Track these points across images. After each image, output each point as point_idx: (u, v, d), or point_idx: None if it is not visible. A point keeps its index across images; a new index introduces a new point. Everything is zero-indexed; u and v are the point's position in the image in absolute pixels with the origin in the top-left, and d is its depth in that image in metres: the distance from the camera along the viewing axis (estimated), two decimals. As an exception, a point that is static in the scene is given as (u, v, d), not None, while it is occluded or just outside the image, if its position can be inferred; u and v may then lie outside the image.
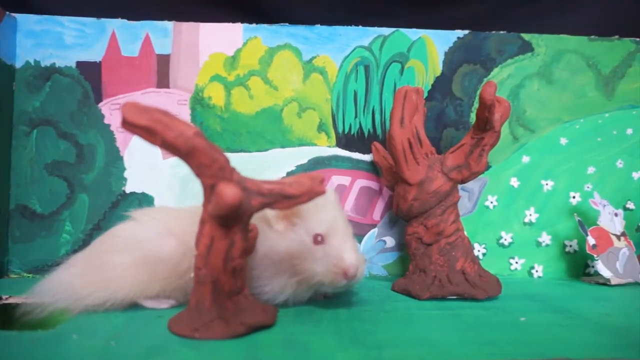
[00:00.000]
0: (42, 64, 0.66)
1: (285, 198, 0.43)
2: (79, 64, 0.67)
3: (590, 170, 0.71)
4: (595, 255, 0.64)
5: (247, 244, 0.44)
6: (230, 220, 0.40)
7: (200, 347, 0.38)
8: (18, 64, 0.66)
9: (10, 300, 0.54)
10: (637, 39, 0.71)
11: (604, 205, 0.66)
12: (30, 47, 0.66)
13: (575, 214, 0.67)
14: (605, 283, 0.64)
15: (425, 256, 0.57)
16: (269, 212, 0.48)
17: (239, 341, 0.40)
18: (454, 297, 0.55)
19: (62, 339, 0.40)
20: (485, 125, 0.53)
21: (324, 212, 0.49)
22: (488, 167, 0.70)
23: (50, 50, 0.66)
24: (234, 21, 0.69)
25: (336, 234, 0.48)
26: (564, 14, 0.76)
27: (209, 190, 0.41)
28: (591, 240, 0.64)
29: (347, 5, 0.75)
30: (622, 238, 0.66)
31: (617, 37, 0.71)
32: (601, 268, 0.63)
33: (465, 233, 0.67)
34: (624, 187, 0.71)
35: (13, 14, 0.66)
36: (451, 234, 0.56)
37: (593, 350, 0.38)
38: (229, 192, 0.37)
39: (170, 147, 0.39)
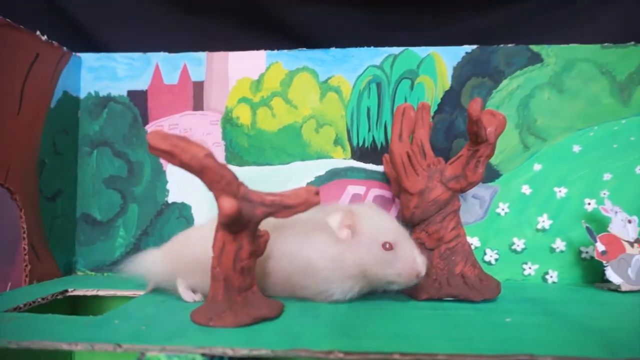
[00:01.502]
0: (100, 94, 0.79)
1: (285, 208, 0.51)
2: (129, 92, 0.79)
3: (607, 177, 0.72)
4: (604, 262, 0.65)
5: (256, 248, 0.52)
6: (234, 226, 0.48)
7: (211, 333, 0.46)
8: (82, 95, 0.79)
9: (75, 293, 0.66)
10: (655, 44, 0.71)
11: (616, 212, 0.67)
12: (91, 80, 0.79)
13: (583, 221, 0.68)
14: (617, 289, 0.64)
15: (428, 260, 0.61)
16: (333, 223, 0.56)
17: (244, 329, 0.48)
18: (451, 298, 0.59)
19: (106, 323, 0.50)
20: (476, 139, 0.57)
21: (386, 221, 0.58)
22: (498, 175, 0.73)
23: (106, 82, 0.79)
24: (259, 43, 0.78)
25: (403, 240, 0.56)
26: (573, 25, 0.77)
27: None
28: (600, 247, 0.65)
29: (362, 26, 0.82)
30: (635, 245, 0.66)
31: (632, 43, 0.71)
32: (611, 274, 0.64)
33: (469, 239, 0.71)
34: (644, 193, 0.71)
35: (78, 54, 0.79)
36: (451, 240, 0.61)
37: (561, 349, 0.42)
38: (226, 204, 0.44)
39: (186, 166, 0.47)
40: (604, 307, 0.57)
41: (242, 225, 0.49)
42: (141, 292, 0.64)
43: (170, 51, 0.78)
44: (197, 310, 0.51)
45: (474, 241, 0.72)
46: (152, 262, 0.62)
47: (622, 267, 0.64)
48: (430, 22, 0.81)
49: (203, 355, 0.42)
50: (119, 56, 0.79)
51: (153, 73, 0.79)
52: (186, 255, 0.59)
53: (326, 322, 0.49)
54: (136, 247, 0.77)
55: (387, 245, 0.55)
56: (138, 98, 0.79)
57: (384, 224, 0.57)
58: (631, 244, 0.66)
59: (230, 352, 0.42)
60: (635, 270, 0.64)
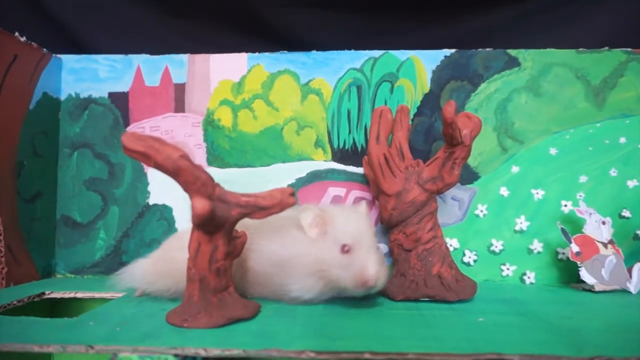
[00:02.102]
0: (81, 96, 0.79)
1: (260, 209, 0.51)
2: (110, 94, 0.78)
3: (583, 179, 0.73)
4: (578, 263, 0.66)
5: (232, 248, 0.52)
6: (209, 227, 0.48)
7: (186, 333, 0.47)
8: (62, 97, 0.79)
9: (52, 295, 0.65)
10: (628, 49, 0.73)
11: (590, 214, 0.68)
12: (72, 82, 0.79)
13: (558, 222, 0.69)
14: (590, 290, 0.66)
15: (405, 261, 0.62)
16: (303, 221, 0.56)
17: (218, 330, 0.48)
18: (427, 299, 0.59)
19: (81, 324, 0.49)
20: (452, 141, 0.58)
21: (352, 224, 0.56)
22: (477, 177, 0.74)
23: (87, 84, 0.79)
24: (242, 45, 0.78)
25: (362, 245, 0.54)
26: (550, 31, 0.79)
27: (194, 203, 0.49)
28: (575, 248, 0.66)
29: (343, 29, 0.82)
30: (609, 246, 0.67)
31: (606, 48, 0.73)
32: (585, 275, 0.65)
33: (448, 240, 0.72)
34: (619, 195, 0.72)
35: (59, 56, 0.78)
36: (428, 241, 0.61)
37: (530, 347, 0.42)
38: (199, 205, 0.45)
39: (161, 167, 0.47)
40: (576, 307, 0.58)
41: (217, 226, 0.49)
42: (120, 294, 0.63)
43: (152, 53, 0.78)
44: (172, 311, 0.51)
45: (453, 242, 0.73)
46: (141, 273, 0.61)
47: (596, 267, 0.66)
48: (412, 27, 0.81)
49: (175, 355, 0.42)
50: (100, 58, 0.79)
51: (134, 75, 0.78)
52: (176, 261, 0.57)
53: (301, 323, 0.50)
54: (117, 250, 0.77)
55: (346, 248, 0.54)
56: (119, 100, 0.78)
57: (348, 227, 0.55)
58: (605, 245, 0.67)
59: (202, 353, 0.42)
60: (609, 271, 0.65)
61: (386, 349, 0.42)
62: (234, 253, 0.53)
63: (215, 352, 0.42)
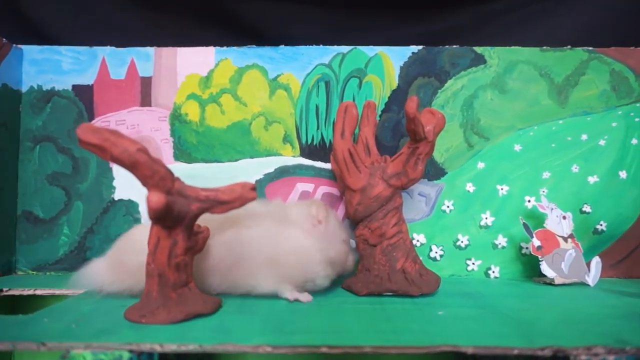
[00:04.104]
0: (44, 88, 0.77)
1: (220, 203, 0.51)
2: (74, 87, 0.77)
3: (546, 175, 0.74)
4: (539, 257, 0.67)
5: (193, 244, 0.52)
6: (167, 222, 0.47)
7: (143, 329, 0.46)
8: (24, 89, 0.77)
9: (10, 292, 0.64)
10: (590, 48, 0.74)
11: (552, 209, 0.69)
12: (34, 74, 0.77)
13: (520, 217, 0.70)
14: (551, 283, 0.67)
15: (370, 256, 0.62)
16: (319, 215, 0.59)
17: (177, 326, 0.47)
18: (390, 293, 0.60)
19: (35, 321, 0.48)
20: (415, 136, 0.58)
21: (342, 224, 0.63)
22: (444, 173, 0.75)
23: (50, 76, 0.77)
24: (210, 39, 0.77)
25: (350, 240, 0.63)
26: (515, 30, 0.80)
27: (153, 198, 0.48)
28: (536, 242, 0.68)
29: (313, 24, 0.82)
30: (569, 240, 0.69)
31: (569, 47, 0.74)
32: (545, 269, 0.67)
33: (415, 236, 0.73)
34: (580, 191, 0.74)
35: (20, 46, 0.76)
36: (393, 236, 0.62)
37: (485, 339, 0.43)
38: (153, 198, 0.44)
39: (117, 161, 0.47)
40: (535, 299, 0.59)
41: (177, 220, 0.49)
42: (81, 291, 0.62)
43: (118, 45, 0.77)
44: (131, 307, 0.50)
45: (420, 238, 0.74)
46: (97, 274, 0.59)
47: (557, 261, 0.67)
48: (381, 25, 0.82)
49: (130, 351, 0.41)
50: (63, 49, 0.77)
51: (99, 67, 0.77)
52: (129, 261, 0.57)
53: (261, 318, 0.49)
54: (81, 246, 0.75)
55: (345, 241, 0.61)
56: (84, 93, 0.77)
57: (342, 226, 0.62)
58: (565, 239, 0.69)
59: (158, 348, 0.42)
60: (568, 264, 0.67)
61: (343, 342, 0.42)
62: (195, 248, 0.53)
63: (171, 347, 0.42)
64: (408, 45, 0.75)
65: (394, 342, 0.42)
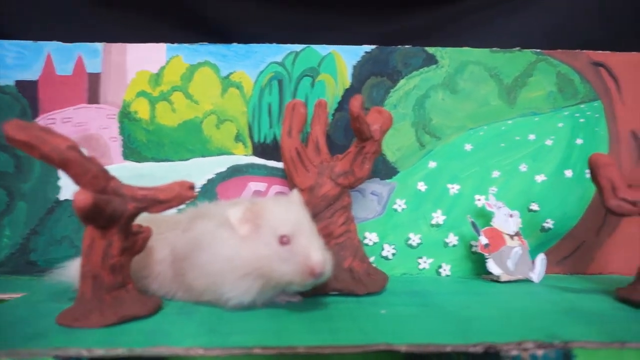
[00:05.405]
0: (-15, 83, 0.74)
1: (158, 203, 0.49)
2: (17, 82, 0.74)
3: (495, 174, 0.76)
4: (486, 254, 0.68)
5: (131, 244, 0.50)
6: (98, 221, 0.46)
7: (74, 334, 0.44)
8: (-37, 84, 0.73)
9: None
10: (538, 50, 0.76)
11: (499, 207, 0.70)
12: (-26, 69, 0.74)
13: (468, 216, 0.71)
14: (497, 280, 0.68)
15: (320, 256, 0.62)
16: (232, 217, 0.50)
17: (110, 329, 0.46)
18: (336, 292, 0.59)
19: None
20: (360, 135, 0.58)
21: (288, 213, 0.51)
22: (396, 172, 0.75)
23: (-9, 71, 0.74)
24: (164, 35, 0.76)
25: (302, 233, 0.50)
26: (468, 30, 0.81)
27: (86, 197, 0.47)
28: (483, 240, 0.68)
29: (266, 23, 0.81)
30: (515, 238, 0.70)
31: (518, 48, 0.76)
32: (491, 266, 0.68)
33: (367, 234, 0.73)
34: (528, 189, 0.76)
35: (-41, 39, 0.73)
36: (340, 235, 0.61)
37: (421, 337, 0.43)
38: (79, 197, 0.43)
39: (47, 159, 0.45)
40: (479, 297, 0.60)
41: (111, 220, 0.47)
42: (19, 295, 0.60)
43: (65, 41, 0.74)
44: (64, 311, 0.49)
45: (372, 237, 0.74)
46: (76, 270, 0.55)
47: (503, 258, 0.68)
48: (335, 24, 0.81)
49: (55, 357, 0.40)
50: (6, 43, 0.74)
51: (44, 63, 0.74)
52: None
53: (198, 321, 0.49)
54: (24, 248, 0.72)
55: (285, 239, 0.49)
56: (27, 89, 0.74)
57: (284, 216, 0.51)
58: (512, 236, 0.70)
59: (85, 353, 0.40)
60: (514, 261, 0.68)
61: (278, 343, 0.41)
62: (134, 249, 0.51)
63: (99, 352, 0.40)
64: (362, 44, 0.75)
65: (330, 341, 0.42)
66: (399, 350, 0.41)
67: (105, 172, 0.48)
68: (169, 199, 0.49)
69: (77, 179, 0.46)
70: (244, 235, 0.51)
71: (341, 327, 0.46)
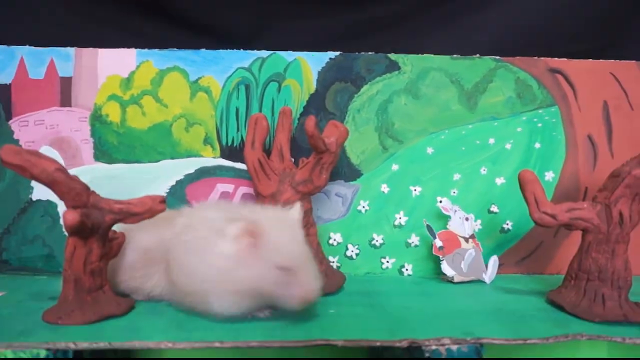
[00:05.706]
0: (-42, 87, 0.86)
1: (132, 215, 0.64)
2: (-10, 86, 0.87)
3: (456, 176, 0.90)
4: (440, 256, 0.83)
5: (108, 250, 0.65)
6: (83, 233, 0.60)
7: (59, 330, 0.59)
8: (-64, 87, 0.86)
9: None
10: (497, 57, 0.90)
11: (455, 211, 0.85)
12: (-53, 72, 0.86)
13: (424, 220, 0.86)
14: (451, 281, 0.83)
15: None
16: (231, 234, 0.60)
17: (91, 326, 0.61)
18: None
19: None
20: (317, 149, 0.72)
21: (290, 244, 0.61)
22: (359, 175, 0.89)
23: (-36, 74, 0.86)
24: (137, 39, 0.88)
25: (302, 264, 0.60)
26: (428, 36, 0.94)
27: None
28: (438, 243, 0.83)
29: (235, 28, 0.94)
30: (470, 240, 0.85)
31: (477, 55, 0.89)
32: (445, 268, 0.83)
33: (332, 235, 0.88)
34: (488, 192, 0.90)
35: None
36: (301, 239, 0.76)
37: (356, 334, 0.58)
38: (68, 217, 0.57)
39: (37, 179, 0.59)
40: (425, 297, 0.75)
41: (91, 231, 0.62)
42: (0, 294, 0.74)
43: (37, 45, 0.87)
44: (48, 310, 0.63)
45: (336, 237, 0.89)
46: None
47: (457, 260, 0.83)
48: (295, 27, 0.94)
49: (47, 350, 0.55)
50: (-21, 47, 0.87)
51: (17, 66, 0.87)
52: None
53: (169, 319, 0.64)
54: (-1, 247, 0.87)
55: (284, 268, 0.59)
56: (1, 92, 0.87)
57: (286, 248, 0.60)
58: (466, 239, 0.85)
59: (72, 346, 0.55)
60: (468, 263, 0.83)
61: (233, 338, 0.57)
62: (110, 254, 0.66)
63: (84, 345, 0.55)
64: (324, 46, 0.88)
65: (278, 337, 0.57)
66: (335, 345, 0.57)
67: (87, 188, 0.62)
68: (142, 212, 0.63)
69: (62, 195, 0.60)
70: (240, 251, 0.60)
71: (290, 325, 0.61)
